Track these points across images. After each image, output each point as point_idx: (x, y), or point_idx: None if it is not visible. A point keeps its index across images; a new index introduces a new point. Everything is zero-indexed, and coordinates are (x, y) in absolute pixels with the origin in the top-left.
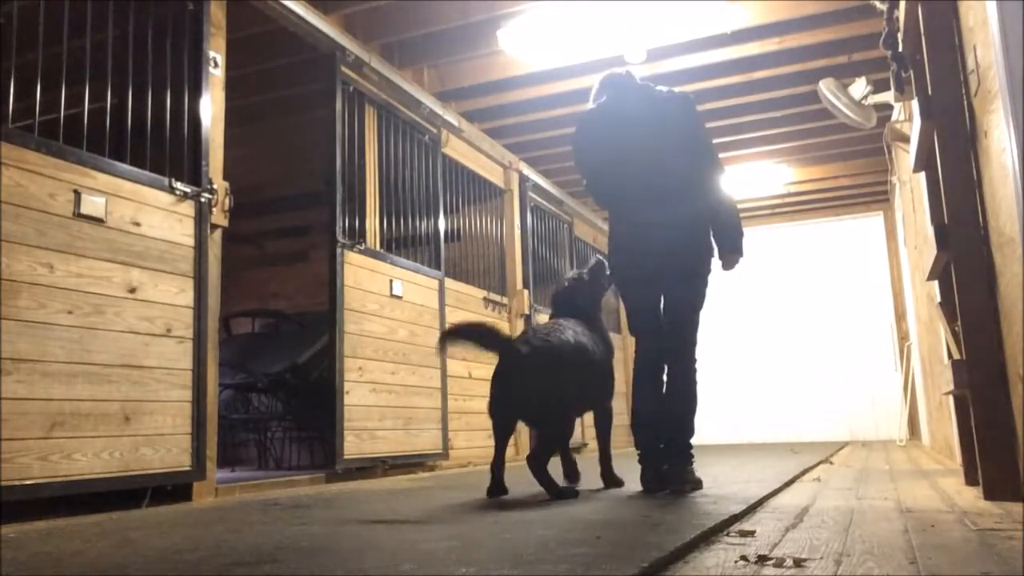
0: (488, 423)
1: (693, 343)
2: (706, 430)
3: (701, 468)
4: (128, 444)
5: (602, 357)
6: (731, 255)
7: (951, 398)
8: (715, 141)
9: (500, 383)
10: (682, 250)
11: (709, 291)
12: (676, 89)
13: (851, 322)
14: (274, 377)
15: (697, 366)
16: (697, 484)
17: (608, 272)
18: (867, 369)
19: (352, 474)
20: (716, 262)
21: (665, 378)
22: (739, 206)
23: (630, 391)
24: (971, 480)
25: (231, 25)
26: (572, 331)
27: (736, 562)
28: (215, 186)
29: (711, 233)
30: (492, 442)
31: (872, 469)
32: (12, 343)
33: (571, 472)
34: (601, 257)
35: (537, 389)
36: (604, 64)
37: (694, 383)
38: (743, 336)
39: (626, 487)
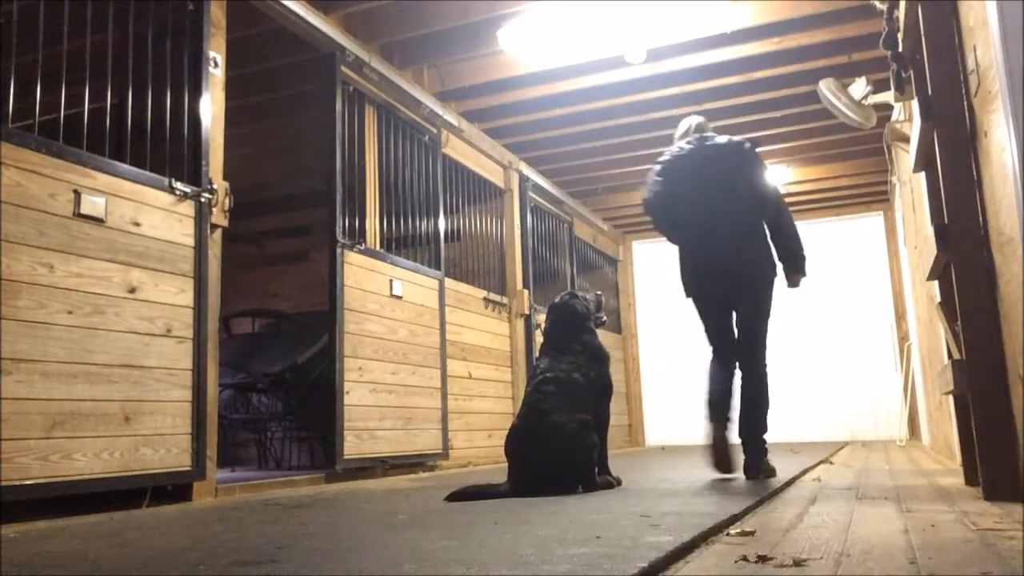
0: (488, 423)
1: (763, 347)
2: (705, 430)
3: (699, 469)
4: (128, 444)
5: (594, 373)
6: (796, 275)
7: (951, 398)
8: None
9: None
10: (749, 277)
11: (773, 305)
12: (734, 138)
13: (851, 322)
14: (274, 377)
15: (767, 369)
16: (772, 472)
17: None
18: (867, 369)
19: (352, 474)
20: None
21: (739, 380)
22: None
23: (629, 391)
24: (971, 480)
25: (231, 25)
26: (552, 394)
27: (736, 562)
28: (215, 186)
29: (777, 257)
30: (492, 443)
31: (872, 469)
32: (12, 343)
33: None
34: (600, 294)
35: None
36: (604, 64)
37: (766, 384)
38: None
39: (624, 486)
